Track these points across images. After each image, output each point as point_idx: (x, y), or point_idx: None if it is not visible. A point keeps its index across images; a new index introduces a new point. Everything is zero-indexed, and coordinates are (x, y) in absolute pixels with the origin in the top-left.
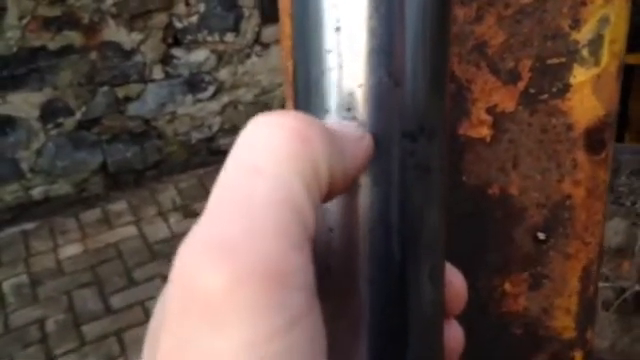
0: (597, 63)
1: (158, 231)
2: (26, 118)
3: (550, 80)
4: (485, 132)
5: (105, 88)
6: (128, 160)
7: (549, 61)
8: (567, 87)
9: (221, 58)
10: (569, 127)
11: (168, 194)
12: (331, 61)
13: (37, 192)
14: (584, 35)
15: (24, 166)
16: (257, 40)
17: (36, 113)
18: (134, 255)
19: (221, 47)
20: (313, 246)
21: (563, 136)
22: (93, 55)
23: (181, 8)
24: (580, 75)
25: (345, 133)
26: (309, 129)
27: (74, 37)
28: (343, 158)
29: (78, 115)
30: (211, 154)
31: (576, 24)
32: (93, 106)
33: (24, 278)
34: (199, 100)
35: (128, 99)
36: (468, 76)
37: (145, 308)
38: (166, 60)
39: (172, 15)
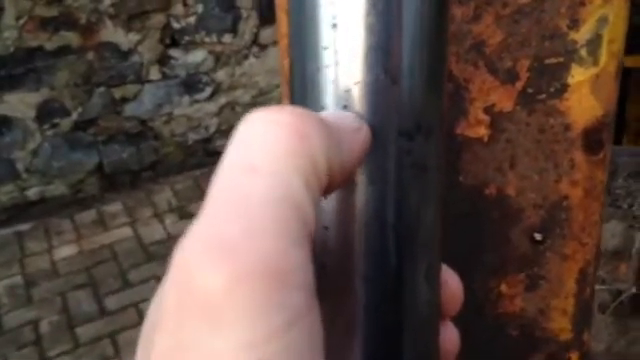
0: (595, 63)
1: (154, 232)
2: (22, 118)
3: (548, 80)
4: (482, 132)
5: (102, 89)
6: (124, 161)
7: (547, 61)
8: (565, 87)
9: (219, 59)
10: (567, 127)
11: (164, 195)
12: (327, 58)
13: (32, 193)
14: (582, 35)
15: (20, 166)
16: (255, 41)
17: (32, 113)
18: (129, 256)
19: (219, 48)
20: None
21: (561, 136)
22: (90, 55)
23: (179, 9)
24: (578, 75)
25: (342, 125)
26: (306, 124)
27: (71, 37)
28: (341, 151)
29: (74, 115)
30: (208, 155)
31: (574, 24)
32: (89, 107)
33: (18, 279)
34: (196, 101)
35: (125, 100)
36: (466, 75)
37: (140, 310)
38: (163, 61)
39: (170, 16)
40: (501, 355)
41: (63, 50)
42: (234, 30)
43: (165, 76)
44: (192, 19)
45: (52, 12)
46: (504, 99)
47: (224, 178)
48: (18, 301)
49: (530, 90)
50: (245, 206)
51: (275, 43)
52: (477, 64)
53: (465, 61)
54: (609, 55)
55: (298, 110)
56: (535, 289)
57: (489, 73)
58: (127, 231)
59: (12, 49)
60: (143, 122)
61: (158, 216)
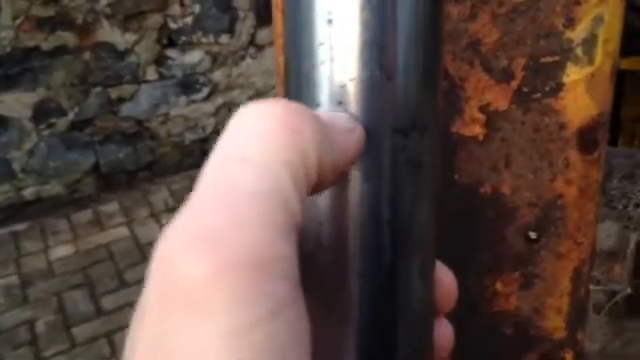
0: (591, 62)
1: (150, 232)
2: (18, 118)
3: (543, 79)
4: (478, 130)
5: (98, 89)
6: (120, 161)
7: (542, 60)
8: (560, 86)
9: (215, 59)
10: (562, 126)
11: (160, 195)
12: (323, 54)
13: (29, 192)
14: (578, 34)
15: (16, 166)
16: (252, 42)
17: (29, 113)
18: (125, 256)
19: (216, 48)
20: (301, 239)
21: (556, 135)
22: (87, 55)
23: (176, 9)
24: (574, 74)
25: (336, 124)
26: (299, 119)
27: (68, 37)
28: (333, 150)
29: (71, 115)
30: (204, 155)
31: (570, 23)
32: (86, 107)
33: (14, 279)
34: (193, 101)
35: (121, 100)
36: (461, 74)
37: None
38: (160, 61)
39: (167, 16)
40: (495, 353)
41: (59, 50)
42: (231, 31)
43: (162, 76)
44: (189, 19)
45: (48, 12)
46: (499, 98)
47: (214, 168)
48: (14, 301)
49: (525, 89)
50: (232, 197)
51: (272, 44)
52: (473, 63)
53: (461, 60)
54: (604, 54)
55: (292, 104)
56: (530, 288)
57: (485, 72)
58: (123, 231)
59: (8, 49)
60: (140, 122)
61: (154, 216)
